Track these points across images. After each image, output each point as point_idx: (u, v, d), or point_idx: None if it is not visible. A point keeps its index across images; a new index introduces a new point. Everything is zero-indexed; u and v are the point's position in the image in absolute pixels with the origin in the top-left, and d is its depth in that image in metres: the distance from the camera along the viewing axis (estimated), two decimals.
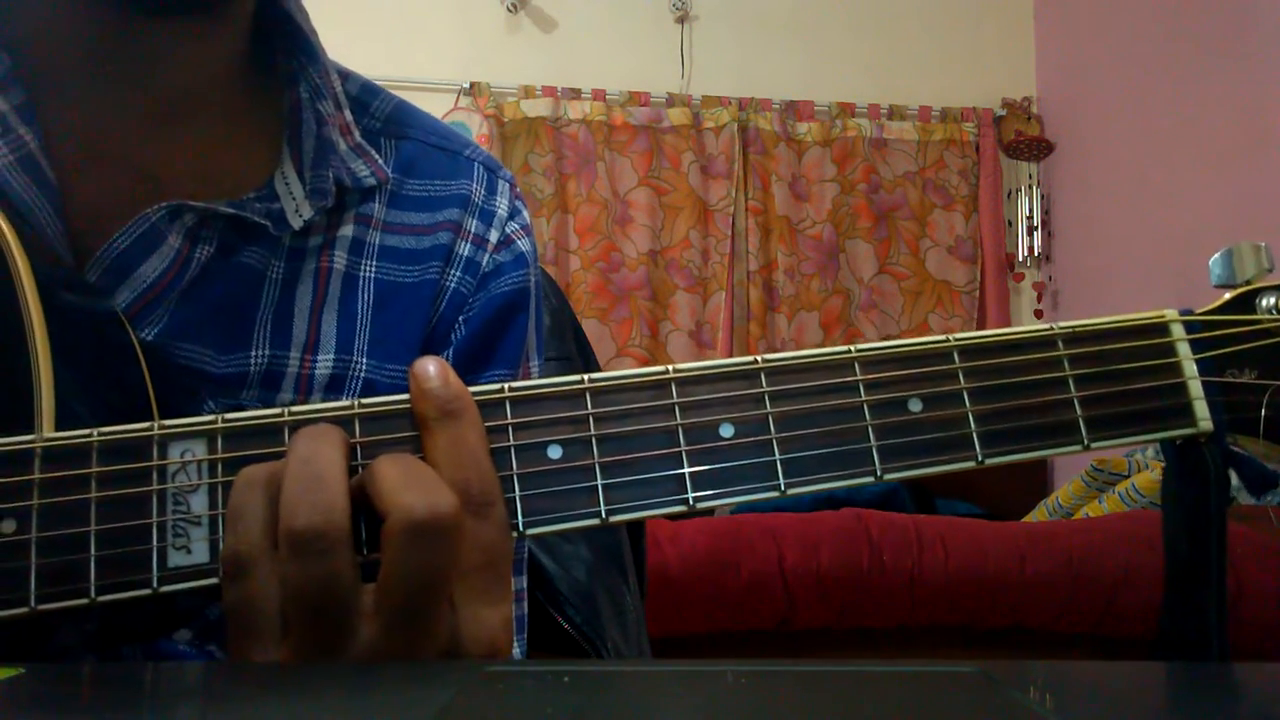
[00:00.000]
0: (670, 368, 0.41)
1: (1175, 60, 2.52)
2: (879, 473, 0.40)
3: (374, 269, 0.57)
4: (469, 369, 0.58)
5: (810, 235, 2.98)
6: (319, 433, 0.37)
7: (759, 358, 0.41)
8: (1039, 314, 3.07)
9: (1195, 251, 2.57)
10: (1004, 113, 3.10)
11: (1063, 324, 0.42)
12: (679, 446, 0.40)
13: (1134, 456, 2.18)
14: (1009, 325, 3.04)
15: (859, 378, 0.41)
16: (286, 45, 0.55)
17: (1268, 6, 2.23)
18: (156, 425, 0.38)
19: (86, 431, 0.38)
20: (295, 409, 0.39)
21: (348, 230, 0.56)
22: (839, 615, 1.65)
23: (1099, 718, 0.28)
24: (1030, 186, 3.06)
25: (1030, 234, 3.05)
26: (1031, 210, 3.05)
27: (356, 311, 0.55)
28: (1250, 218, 2.28)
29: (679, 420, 0.40)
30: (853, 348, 0.41)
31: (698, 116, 2.98)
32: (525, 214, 0.63)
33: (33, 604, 0.36)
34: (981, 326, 3.03)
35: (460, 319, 0.58)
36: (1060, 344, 0.42)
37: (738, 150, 2.96)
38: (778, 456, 0.40)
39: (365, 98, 0.60)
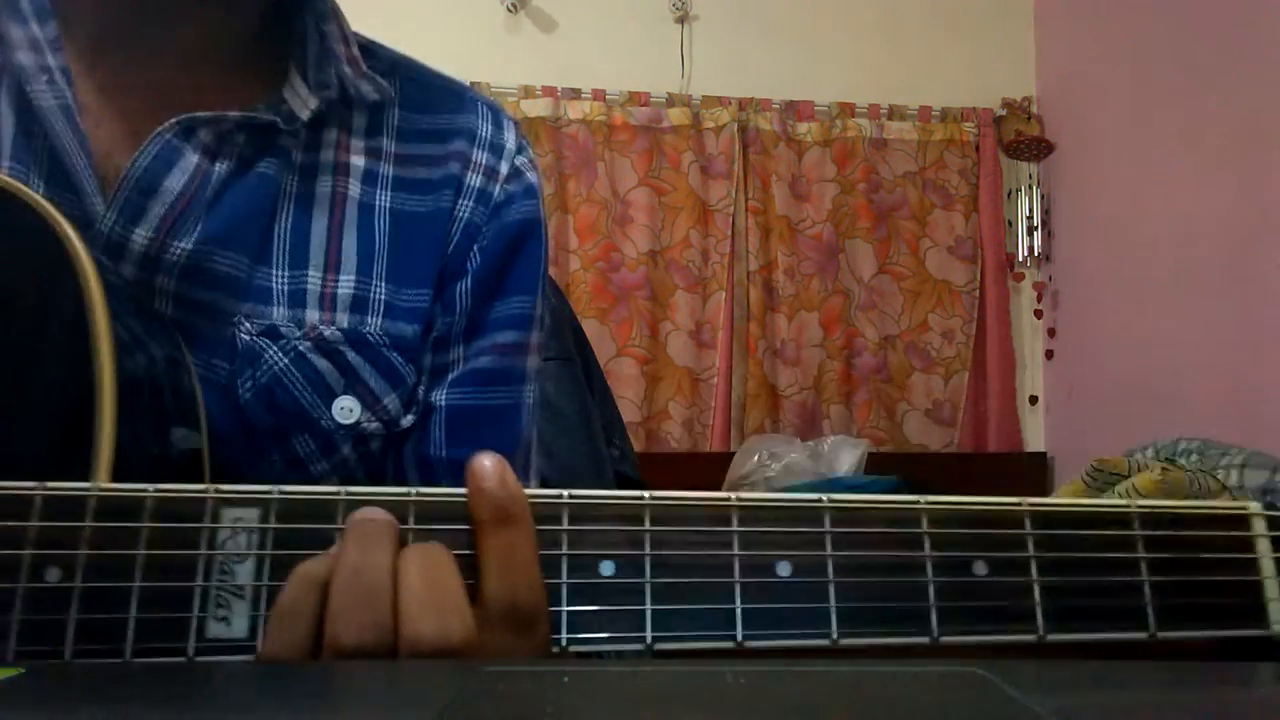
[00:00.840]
0: (734, 496, 0.39)
1: (1175, 60, 2.52)
2: (935, 634, 0.39)
3: (388, 198, 0.59)
4: (488, 295, 0.60)
5: (810, 235, 2.98)
6: (372, 540, 0.36)
7: (825, 497, 0.40)
8: (1039, 314, 3.07)
9: (1195, 251, 2.57)
10: (1004, 113, 3.10)
11: (1140, 503, 0.41)
12: (733, 579, 0.38)
13: (1134, 456, 2.18)
14: (1009, 325, 3.05)
15: (924, 531, 0.40)
16: None
17: (1269, 7, 2.23)
18: (212, 489, 0.38)
19: (142, 486, 0.37)
20: (352, 489, 0.38)
21: (359, 161, 0.58)
22: None
23: (1099, 718, 0.28)
24: (1030, 186, 3.06)
25: (1030, 234, 3.04)
26: (1031, 210, 3.05)
27: (374, 238, 0.57)
28: (1250, 218, 2.28)
29: (737, 552, 0.39)
30: (922, 499, 0.40)
31: (698, 116, 2.98)
32: (530, 150, 0.65)
33: (67, 657, 0.36)
34: (981, 326, 3.03)
35: (475, 247, 0.60)
36: (1136, 524, 0.41)
37: (738, 150, 2.96)
38: (833, 604, 0.38)
39: (373, 47, 0.63)
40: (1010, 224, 3.10)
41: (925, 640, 0.39)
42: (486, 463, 0.38)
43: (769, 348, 2.91)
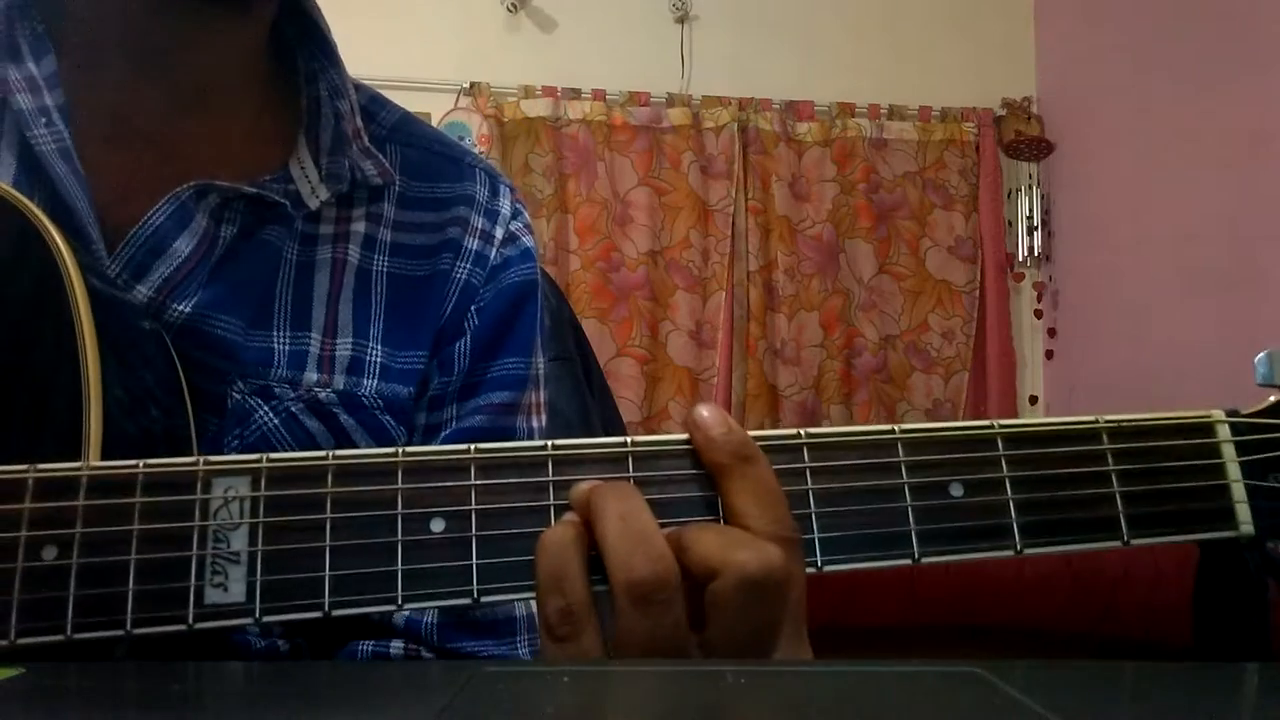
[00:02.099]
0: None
1: (1175, 60, 2.52)
2: (916, 555, 0.40)
3: (385, 264, 0.59)
4: (485, 355, 0.61)
5: (810, 235, 2.98)
6: (625, 491, 0.38)
7: (802, 431, 0.41)
8: (1039, 314, 3.07)
9: (1195, 251, 2.56)
10: (1004, 113, 3.10)
11: (1108, 417, 0.42)
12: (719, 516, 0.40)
13: None
14: (1009, 325, 3.05)
15: (901, 459, 0.41)
16: (308, 47, 0.58)
17: (1268, 7, 2.23)
18: (202, 461, 0.38)
19: (132, 463, 0.38)
20: (339, 452, 0.39)
21: (360, 227, 0.59)
22: (838, 615, 1.65)
23: (1099, 718, 0.28)
24: (1030, 186, 3.06)
25: (1030, 234, 3.04)
26: (1031, 210, 3.05)
27: (371, 302, 0.58)
28: (1250, 217, 2.28)
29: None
30: (896, 428, 0.41)
31: (698, 116, 2.98)
32: (526, 215, 0.66)
33: (69, 632, 0.36)
34: (981, 326, 3.03)
35: (472, 308, 0.61)
36: (1105, 438, 0.42)
37: (738, 150, 2.96)
38: (816, 535, 0.40)
39: (373, 107, 0.63)
40: (1010, 224, 3.10)
41: (908, 562, 0.40)
42: (705, 412, 0.39)
43: (769, 348, 2.91)
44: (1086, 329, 2.90)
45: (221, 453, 0.52)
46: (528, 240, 0.65)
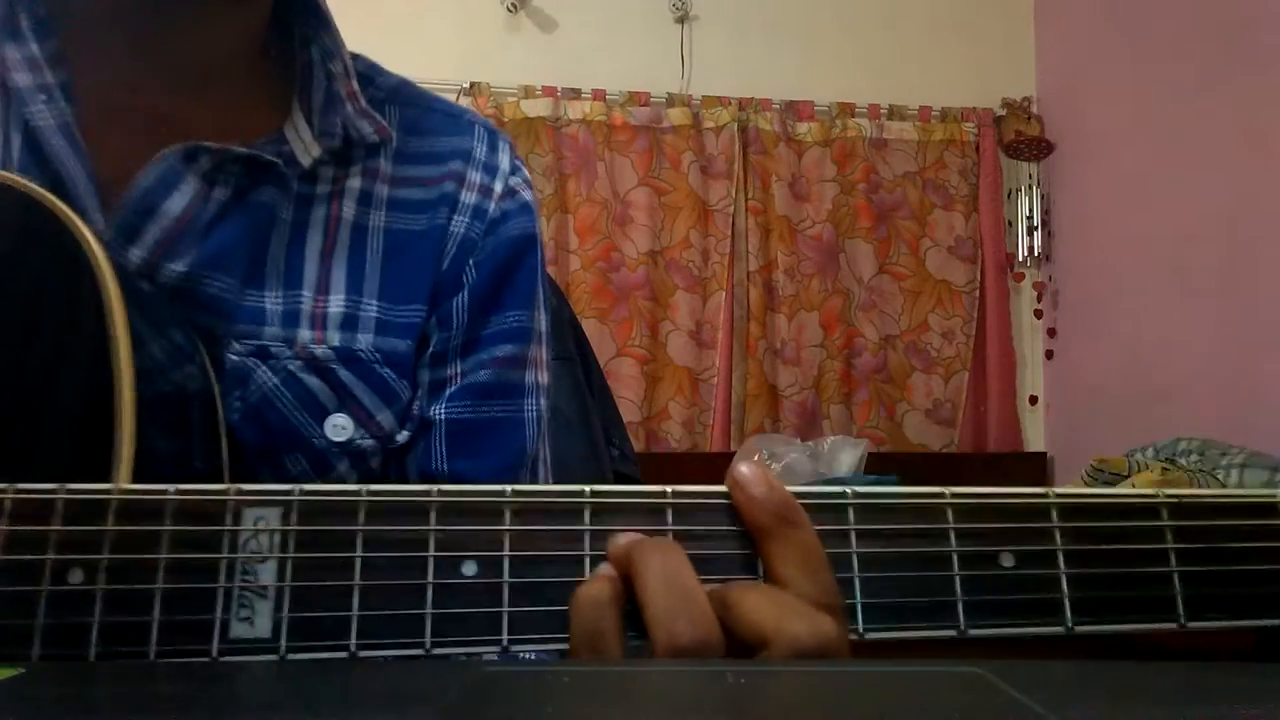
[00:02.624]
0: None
1: (1175, 60, 2.52)
2: (963, 627, 0.38)
3: (383, 218, 0.59)
4: (484, 309, 0.61)
5: (810, 235, 2.98)
6: (667, 548, 0.37)
7: (849, 490, 0.39)
8: (1039, 314, 3.07)
9: (1195, 251, 2.56)
10: (1004, 113, 3.10)
11: (1168, 492, 0.41)
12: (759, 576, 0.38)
13: (1134, 456, 2.18)
14: (1009, 325, 3.05)
15: (951, 525, 0.39)
16: (300, 12, 0.59)
17: (1269, 7, 2.23)
18: (234, 489, 0.38)
19: (163, 487, 0.37)
20: (373, 487, 0.38)
21: (355, 183, 0.59)
22: None
23: (1099, 718, 0.28)
24: (1030, 186, 3.06)
25: (1030, 234, 3.04)
26: (1031, 210, 3.05)
27: (365, 258, 0.58)
28: (1250, 217, 2.28)
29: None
30: (947, 491, 0.39)
31: (698, 116, 2.98)
32: (525, 171, 0.66)
33: (91, 659, 0.36)
34: (981, 326, 3.03)
35: (471, 261, 0.61)
36: (1164, 513, 0.40)
37: (738, 150, 2.96)
38: (859, 600, 0.38)
39: (371, 73, 0.64)
40: (1010, 224, 3.10)
41: (953, 633, 0.38)
42: (745, 470, 0.38)
43: (769, 348, 2.91)
44: (1086, 329, 2.90)
45: (225, 415, 0.53)
46: (527, 194, 0.65)
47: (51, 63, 0.51)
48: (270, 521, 0.37)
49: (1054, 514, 0.40)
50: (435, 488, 0.38)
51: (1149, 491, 0.41)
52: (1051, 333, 3.04)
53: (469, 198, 0.61)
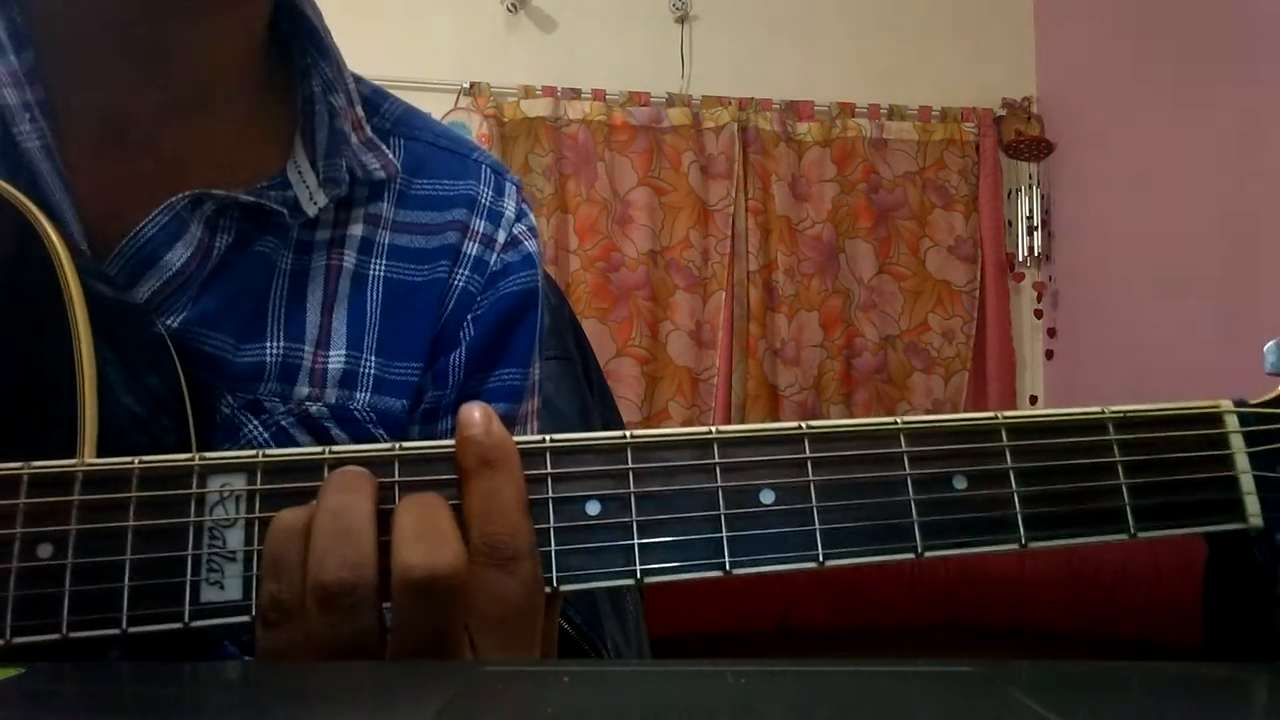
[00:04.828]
0: (714, 429, 0.40)
1: (1175, 60, 2.52)
2: (920, 549, 0.39)
3: (383, 268, 0.57)
4: (480, 367, 0.59)
5: (810, 235, 2.98)
6: (348, 483, 0.37)
7: (803, 424, 0.40)
8: (1039, 314, 3.07)
9: (1195, 251, 2.56)
10: (1004, 113, 3.10)
11: (1114, 408, 0.41)
12: (718, 510, 0.39)
13: None
14: (1009, 325, 3.05)
15: (904, 450, 0.40)
16: (300, 42, 0.56)
17: (1267, 7, 2.23)
18: (197, 457, 0.38)
19: (127, 460, 0.38)
20: (336, 448, 0.39)
21: (356, 229, 0.57)
22: (838, 615, 1.65)
23: (1099, 718, 0.28)
24: (1030, 186, 3.06)
25: (1030, 234, 3.04)
26: (1031, 210, 3.05)
27: (365, 310, 0.56)
28: (1250, 218, 2.28)
29: (720, 483, 0.39)
30: (899, 419, 0.40)
31: (698, 116, 2.98)
32: (531, 216, 0.64)
33: (64, 631, 0.36)
34: (981, 326, 3.03)
35: (469, 317, 0.59)
36: (1111, 429, 0.41)
37: (738, 150, 2.96)
38: (818, 526, 0.39)
39: (376, 99, 0.61)
40: (1010, 224, 3.10)
41: (910, 556, 0.39)
42: (475, 413, 0.39)
43: (769, 348, 2.91)
44: (1086, 329, 2.90)
45: None
46: (530, 245, 0.62)
47: (30, 78, 0.48)
48: (235, 485, 0.38)
49: (1004, 434, 0.40)
50: (397, 444, 0.39)
51: (1094, 409, 0.42)
52: (1051, 333, 3.04)
53: (471, 248, 0.59)
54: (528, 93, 2.90)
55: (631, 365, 2.84)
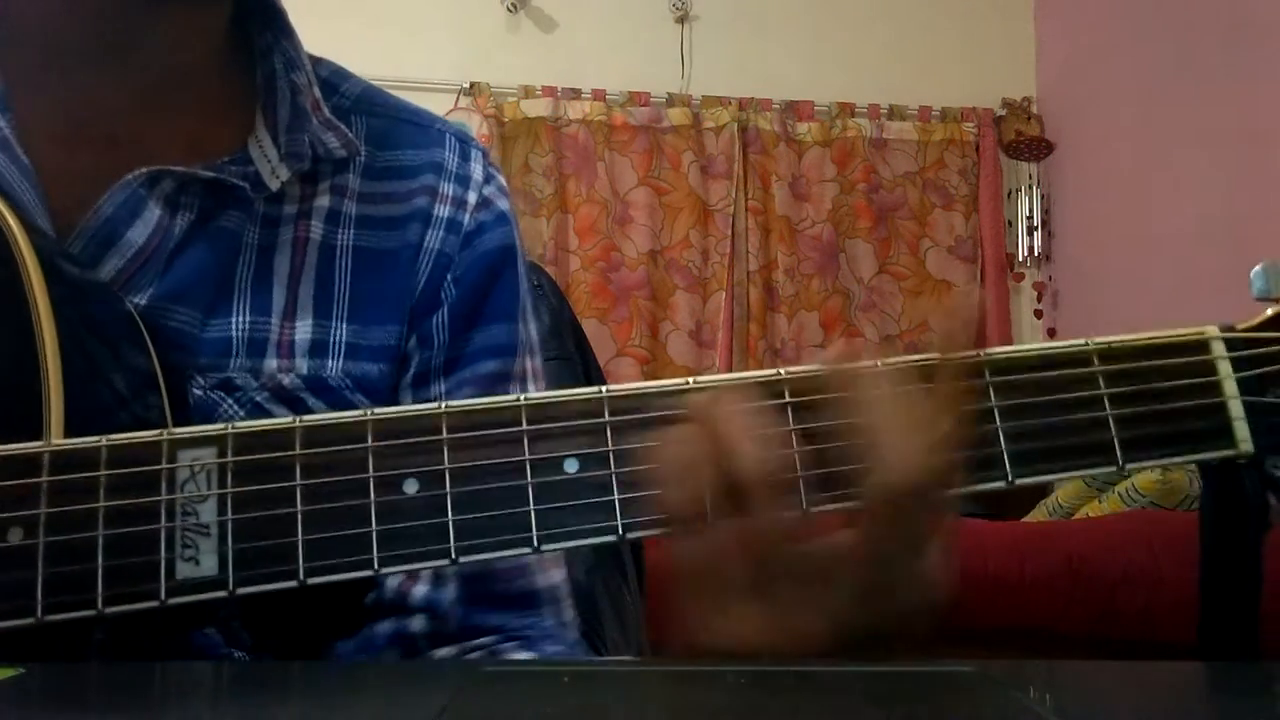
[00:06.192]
0: (690, 380, 0.39)
1: (1175, 60, 2.52)
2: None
3: (351, 237, 0.57)
4: (465, 326, 0.59)
5: (810, 235, 2.98)
6: (734, 399, 0.37)
7: (782, 370, 0.39)
8: (1039, 314, 3.07)
9: (1195, 251, 2.56)
10: (1004, 113, 3.10)
11: (1098, 339, 0.41)
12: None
13: None
14: (1009, 325, 3.05)
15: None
16: (261, 20, 0.56)
17: (1269, 6, 2.23)
18: (166, 433, 0.38)
19: (95, 439, 0.37)
20: (306, 418, 0.38)
21: (324, 201, 0.57)
22: None
23: (1099, 718, 0.28)
24: (1030, 186, 3.06)
25: (1030, 234, 3.04)
26: (1031, 210, 3.05)
27: (334, 279, 0.56)
28: (1250, 218, 2.28)
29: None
30: (879, 361, 0.40)
31: (698, 116, 2.98)
32: (501, 179, 0.64)
33: (39, 614, 0.36)
34: (981, 326, 3.02)
35: (449, 278, 0.59)
36: (1095, 360, 0.40)
37: (738, 150, 2.96)
38: (799, 472, 0.38)
39: (335, 79, 0.61)
40: (1010, 224, 3.10)
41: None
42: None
43: (769, 348, 2.91)
44: (1086, 329, 2.88)
45: None
46: (503, 203, 0.62)
47: (2, 102, 0.48)
48: (206, 459, 0.37)
49: (986, 371, 0.40)
50: (369, 410, 0.38)
51: (1079, 341, 0.41)
52: (1051, 333, 3.04)
53: (442, 211, 0.59)
54: (528, 93, 2.90)
55: (631, 365, 2.84)
